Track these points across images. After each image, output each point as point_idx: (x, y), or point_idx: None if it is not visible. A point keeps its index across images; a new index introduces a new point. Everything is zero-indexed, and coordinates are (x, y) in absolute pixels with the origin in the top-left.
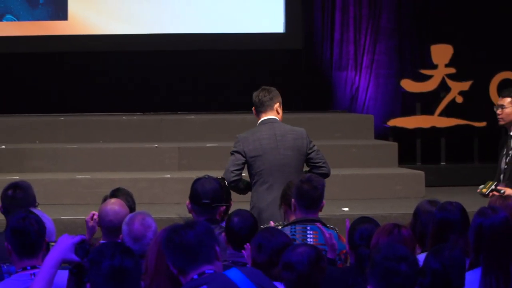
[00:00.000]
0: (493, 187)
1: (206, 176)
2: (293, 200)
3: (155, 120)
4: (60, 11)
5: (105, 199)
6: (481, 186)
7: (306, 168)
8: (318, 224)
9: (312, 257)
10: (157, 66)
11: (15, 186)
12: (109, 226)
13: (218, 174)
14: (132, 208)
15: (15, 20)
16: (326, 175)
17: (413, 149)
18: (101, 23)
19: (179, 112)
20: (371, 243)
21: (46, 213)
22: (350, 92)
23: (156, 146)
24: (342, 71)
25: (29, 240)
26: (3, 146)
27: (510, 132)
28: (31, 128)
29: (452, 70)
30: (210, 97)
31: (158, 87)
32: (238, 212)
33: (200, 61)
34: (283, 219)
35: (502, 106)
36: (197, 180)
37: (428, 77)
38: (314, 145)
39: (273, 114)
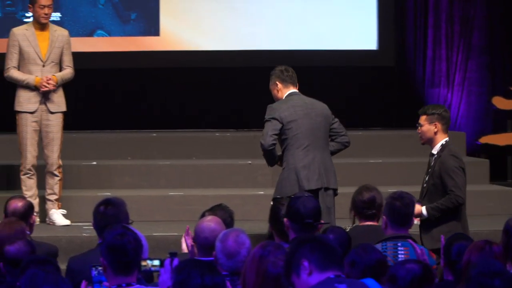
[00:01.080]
0: None
1: (306, 194)
2: (384, 217)
3: (248, 137)
4: (152, 27)
5: (203, 215)
6: None
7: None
8: (410, 241)
9: (417, 276)
10: (249, 82)
11: (107, 202)
12: (204, 243)
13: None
14: (230, 225)
15: (106, 36)
16: (348, 143)
17: (504, 166)
18: (193, 39)
19: None
20: (463, 259)
21: (138, 229)
22: None
23: (250, 163)
24: (434, 88)
25: (126, 257)
26: (95, 163)
27: (432, 150)
28: (123, 145)
29: None
30: None
31: (251, 103)
32: (333, 229)
33: None
34: (352, 222)
35: (419, 125)
36: (297, 198)
37: None
38: (336, 119)
39: (296, 89)
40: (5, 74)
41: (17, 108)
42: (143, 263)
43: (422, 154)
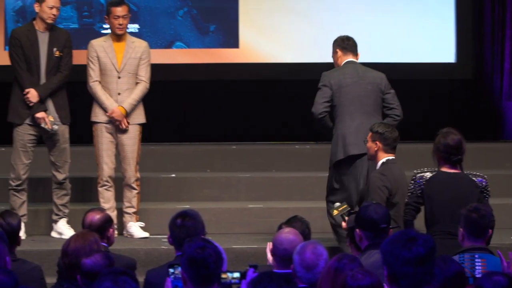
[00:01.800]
0: (345, 212)
1: (374, 202)
2: (461, 229)
3: (327, 149)
4: (231, 39)
5: (280, 227)
6: (336, 205)
7: None
8: (499, 252)
9: None
10: None
11: (184, 215)
12: (283, 255)
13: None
14: (307, 237)
15: (185, 48)
16: (398, 116)
17: None
18: (273, 51)
19: None
20: None
21: (217, 242)
22: None
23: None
24: (511, 101)
25: (207, 270)
26: (174, 175)
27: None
28: (202, 157)
29: None
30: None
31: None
32: None
33: None
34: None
35: (365, 141)
36: (366, 206)
37: None
38: (392, 90)
39: (356, 58)
40: (88, 87)
41: (93, 118)
42: (223, 276)
43: (501, 167)
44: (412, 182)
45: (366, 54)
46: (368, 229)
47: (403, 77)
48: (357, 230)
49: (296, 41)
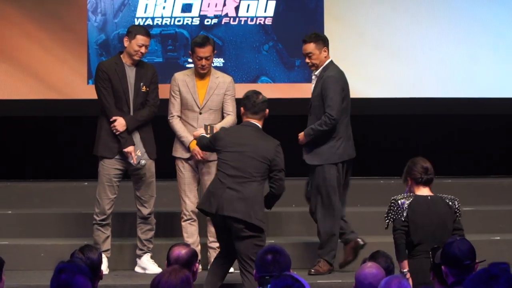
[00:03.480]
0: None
1: (458, 238)
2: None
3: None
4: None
5: (363, 262)
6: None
7: None
8: None
9: None
10: (411, 130)
11: (273, 250)
12: None
13: (475, 237)
14: (392, 272)
15: (270, 82)
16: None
17: None
18: (357, 86)
19: (437, 176)
20: None
21: (301, 277)
22: None
23: None
24: None
25: None
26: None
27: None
28: (288, 192)
29: None
30: (474, 161)
31: (413, 151)
32: None
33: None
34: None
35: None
36: (451, 243)
37: None
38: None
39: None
40: (169, 121)
41: (174, 153)
42: None
43: None
44: (394, 207)
45: (450, 89)
46: (453, 266)
47: (487, 112)
48: (443, 266)
49: (381, 77)
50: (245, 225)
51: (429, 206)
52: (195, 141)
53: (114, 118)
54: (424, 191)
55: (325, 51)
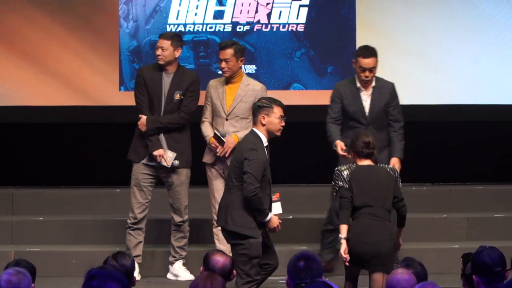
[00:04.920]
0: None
1: (487, 246)
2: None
3: (443, 190)
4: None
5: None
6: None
7: None
8: None
9: None
10: (444, 136)
11: (306, 257)
12: None
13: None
14: (425, 278)
15: (302, 89)
16: None
17: None
18: None
19: (468, 183)
20: None
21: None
22: None
23: (445, 217)
24: None
25: None
26: (291, 217)
27: None
28: (318, 198)
29: None
30: (502, 167)
31: (447, 156)
32: None
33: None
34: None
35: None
36: (480, 251)
37: None
38: None
39: None
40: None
41: (204, 160)
42: None
43: None
44: (338, 177)
45: (480, 96)
46: (483, 274)
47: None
48: (474, 276)
49: (413, 83)
50: (226, 232)
51: (369, 173)
52: (235, 135)
53: (140, 116)
54: (365, 162)
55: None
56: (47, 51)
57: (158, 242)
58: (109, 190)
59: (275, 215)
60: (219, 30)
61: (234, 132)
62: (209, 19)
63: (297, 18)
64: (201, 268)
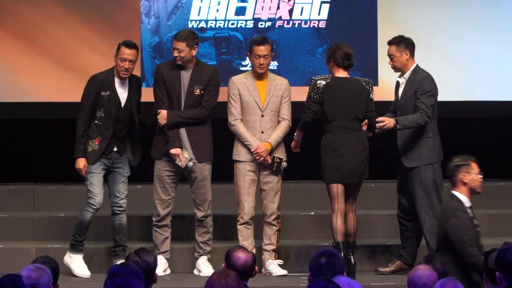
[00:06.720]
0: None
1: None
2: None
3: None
4: (370, 77)
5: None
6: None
7: None
8: None
9: None
10: (462, 132)
11: (328, 253)
12: None
13: None
14: (446, 275)
15: None
16: None
17: None
18: None
19: (489, 179)
20: None
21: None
22: None
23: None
24: None
25: None
26: (312, 213)
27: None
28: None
29: None
30: None
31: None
32: None
33: None
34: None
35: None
36: (506, 249)
37: None
38: None
39: None
40: (231, 126)
41: (235, 157)
42: None
43: None
44: (312, 87)
45: (502, 92)
46: (508, 273)
47: None
48: (497, 272)
49: (435, 79)
50: None
51: (344, 86)
52: (267, 143)
53: (159, 110)
54: (343, 73)
55: (406, 54)
56: (67, 47)
57: (183, 238)
58: (131, 187)
59: None
60: (241, 26)
61: (270, 128)
62: (231, 15)
63: (318, 14)
64: (223, 264)
